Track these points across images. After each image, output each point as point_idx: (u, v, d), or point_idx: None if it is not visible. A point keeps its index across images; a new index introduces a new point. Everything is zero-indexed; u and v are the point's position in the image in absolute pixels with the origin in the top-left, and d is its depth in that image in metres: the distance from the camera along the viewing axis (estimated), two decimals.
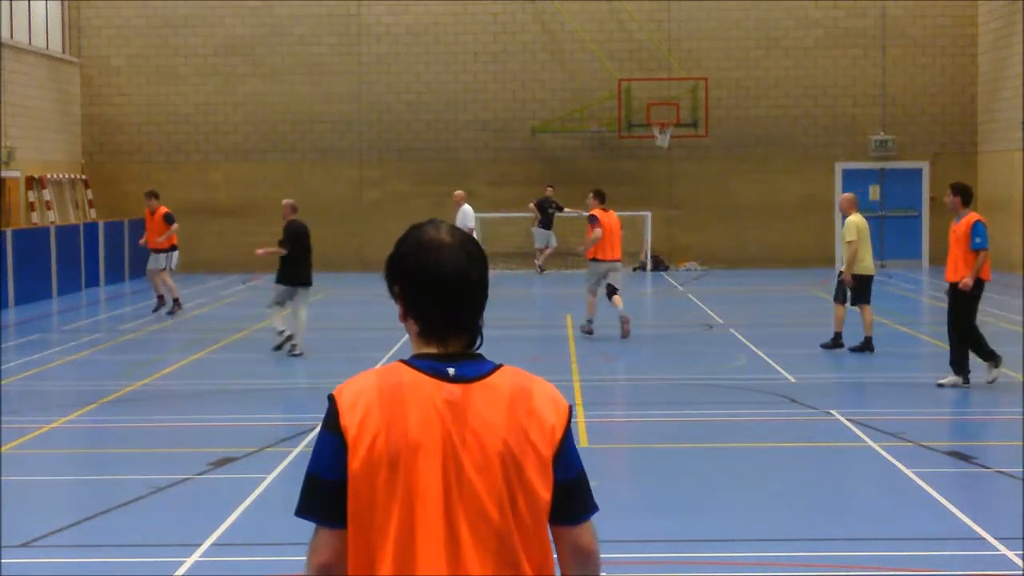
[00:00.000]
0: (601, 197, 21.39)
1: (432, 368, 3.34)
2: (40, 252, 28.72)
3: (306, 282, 19.57)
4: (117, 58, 36.82)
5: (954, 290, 15.89)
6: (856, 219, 19.05)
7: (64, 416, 14.58)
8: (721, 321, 23.47)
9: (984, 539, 9.31)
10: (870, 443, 12.66)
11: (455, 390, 3.31)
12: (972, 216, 16.03)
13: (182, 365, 18.69)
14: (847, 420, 13.84)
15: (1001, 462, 11.74)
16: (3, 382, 16.86)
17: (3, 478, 11.24)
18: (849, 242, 18.80)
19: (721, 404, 15.23)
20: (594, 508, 3.45)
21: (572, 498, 3.38)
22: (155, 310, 25.35)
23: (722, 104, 36.46)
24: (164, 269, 25.20)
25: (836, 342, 19.16)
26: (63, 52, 35.91)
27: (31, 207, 32.02)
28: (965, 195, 16.19)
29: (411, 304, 3.41)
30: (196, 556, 9.04)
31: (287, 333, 19.59)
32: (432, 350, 3.39)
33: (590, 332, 21.14)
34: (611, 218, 21.25)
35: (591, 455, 12.45)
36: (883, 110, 36.74)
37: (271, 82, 36.71)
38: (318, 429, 3.41)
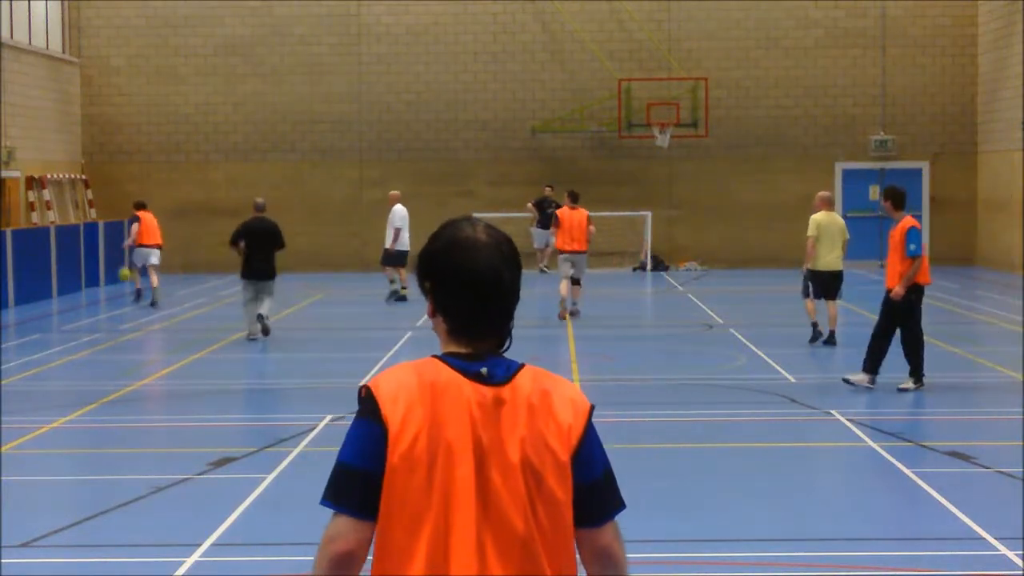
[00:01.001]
0: (573, 197, 24.12)
1: (465, 368, 3.32)
2: (40, 252, 28.71)
3: (261, 276, 20.89)
4: (117, 58, 36.83)
5: (887, 296, 15.67)
6: (818, 216, 19.65)
7: (64, 416, 14.57)
8: (721, 321, 23.47)
9: (984, 539, 9.31)
10: (870, 443, 12.66)
11: (487, 393, 3.29)
12: (906, 221, 15.52)
13: (182, 365, 18.69)
14: (847, 420, 13.84)
15: (1001, 462, 11.74)
16: (3, 382, 16.86)
17: (3, 478, 11.24)
18: (807, 238, 19.55)
19: (721, 404, 15.22)
20: (618, 507, 3.41)
21: (594, 499, 3.35)
22: (136, 300, 27.32)
23: (722, 104, 36.47)
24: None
25: (815, 332, 19.77)
26: (63, 52, 35.92)
27: (31, 207, 32.02)
28: (896, 199, 15.79)
29: (442, 301, 3.38)
30: (196, 556, 9.04)
31: (263, 316, 20.87)
32: (462, 349, 3.36)
33: (563, 317, 23.35)
34: (575, 215, 23.65)
35: None
36: (883, 110, 36.75)
37: (271, 82, 36.71)
38: (352, 420, 3.35)
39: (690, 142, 36.37)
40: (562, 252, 23.66)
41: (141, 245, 27.64)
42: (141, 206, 28.20)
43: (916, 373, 15.77)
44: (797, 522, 10.13)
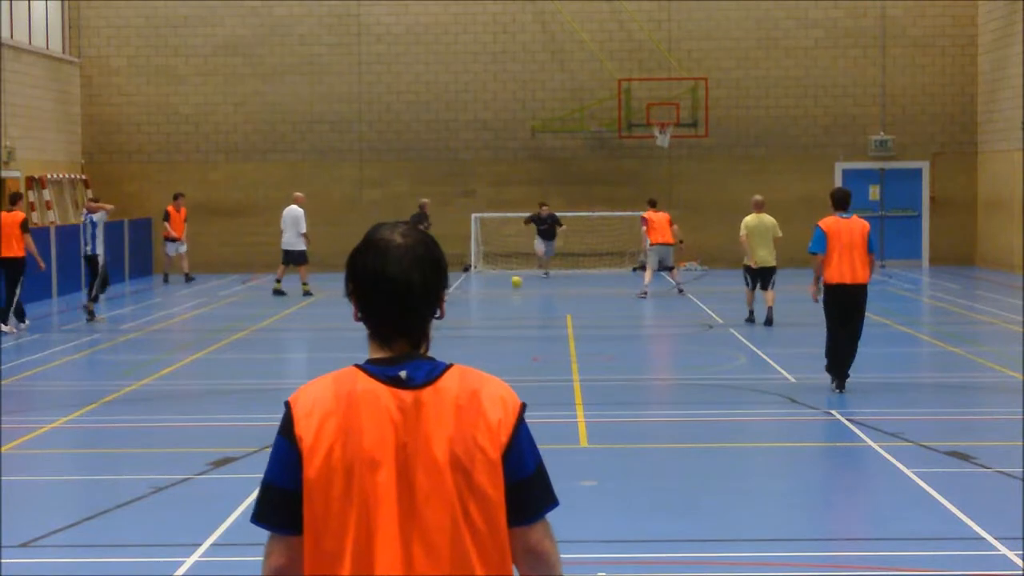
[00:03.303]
0: (652, 203, 30.03)
1: (385, 374, 3.33)
2: (40, 252, 28.64)
3: None
4: (117, 58, 36.83)
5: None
6: (748, 219, 23.10)
7: (64, 416, 14.58)
8: (721, 321, 23.47)
9: (984, 539, 9.31)
10: (870, 443, 12.66)
11: (407, 397, 3.30)
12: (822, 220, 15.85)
13: (182, 365, 18.70)
14: (847, 420, 13.84)
15: (1001, 462, 11.74)
16: (3, 382, 16.86)
17: (3, 478, 11.24)
18: (740, 237, 23.07)
19: (721, 404, 15.23)
20: (550, 504, 3.40)
21: (525, 497, 3.35)
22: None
23: (722, 104, 36.47)
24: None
25: (750, 316, 22.85)
26: (63, 52, 35.92)
27: (31, 207, 32.01)
28: (832, 199, 15.84)
29: (360, 304, 3.40)
30: (196, 556, 9.04)
31: None
32: (382, 354, 3.37)
33: (643, 296, 28.00)
34: (659, 216, 28.39)
35: (591, 455, 12.46)
36: (883, 110, 36.74)
37: (271, 82, 36.71)
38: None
39: (690, 142, 36.37)
40: (653, 245, 28.03)
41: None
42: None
43: (829, 372, 15.71)
44: (797, 522, 10.13)
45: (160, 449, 13.12)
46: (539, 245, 34.22)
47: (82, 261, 25.29)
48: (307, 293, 28.76)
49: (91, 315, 24.21)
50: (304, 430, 3.32)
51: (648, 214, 28.75)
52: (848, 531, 9.79)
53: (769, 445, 13.09)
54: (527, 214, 35.27)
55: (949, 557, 8.94)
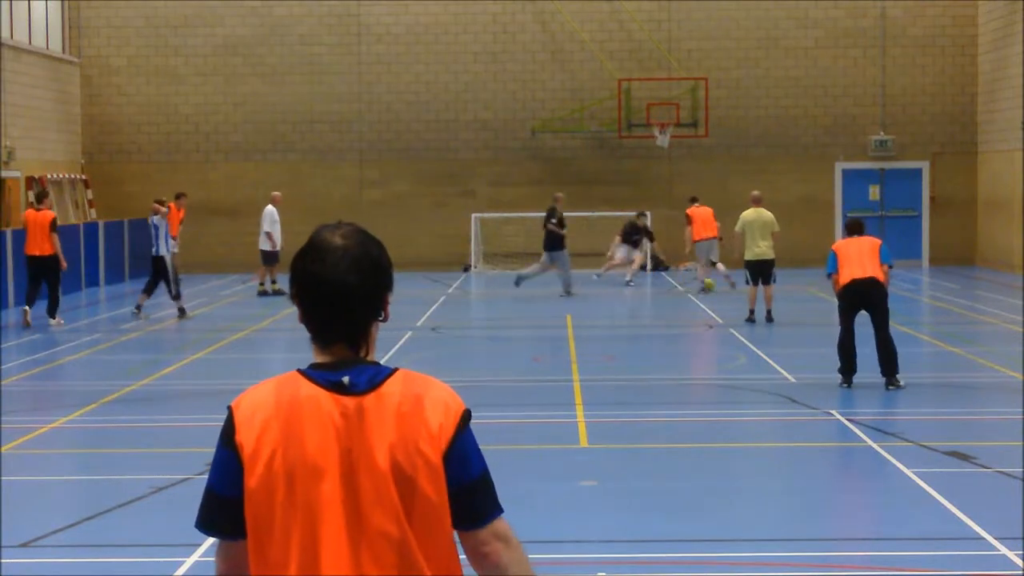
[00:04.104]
0: (694, 199, 30.05)
1: (327, 380, 3.28)
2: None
3: None
4: (117, 58, 36.83)
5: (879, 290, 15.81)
6: (746, 213, 23.18)
7: (64, 416, 14.58)
8: (721, 321, 23.48)
9: (984, 539, 9.31)
10: (870, 443, 12.66)
11: (349, 404, 3.25)
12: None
13: (182, 365, 18.70)
14: (847, 420, 13.84)
15: (1001, 462, 11.74)
16: (3, 382, 16.86)
17: (3, 478, 11.24)
18: (735, 233, 23.33)
19: (721, 404, 15.23)
20: (494, 512, 3.36)
21: (468, 503, 3.31)
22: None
23: (722, 104, 36.47)
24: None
25: (751, 316, 22.66)
26: (63, 52, 35.92)
27: (31, 207, 32.00)
28: (846, 229, 16.67)
29: (300, 308, 3.34)
30: (196, 556, 9.04)
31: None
32: (324, 358, 3.32)
33: (707, 289, 28.53)
34: (701, 210, 28.80)
35: (591, 455, 12.46)
36: (883, 110, 36.74)
37: (271, 82, 36.71)
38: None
39: (690, 142, 36.37)
40: (697, 241, 28.44)
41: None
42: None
43: (841, 373, 15.98)
44: (797, 522, 10.13)
45: (160, 449, 13.11)
46: (622, 251, 32.38)
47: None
48: (275, 292, 28.60)
49: (138, 309, 24.76)
50: (245, 437, 3.27)
51: (691, 210, 29.10)
52: (848, 531, 9.79)
53: (769, 445, 13.09)
54: (539, 213, 34.93)
55: (949, 557, 8.94)
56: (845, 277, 15.70)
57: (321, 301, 3.29)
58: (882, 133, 36.68)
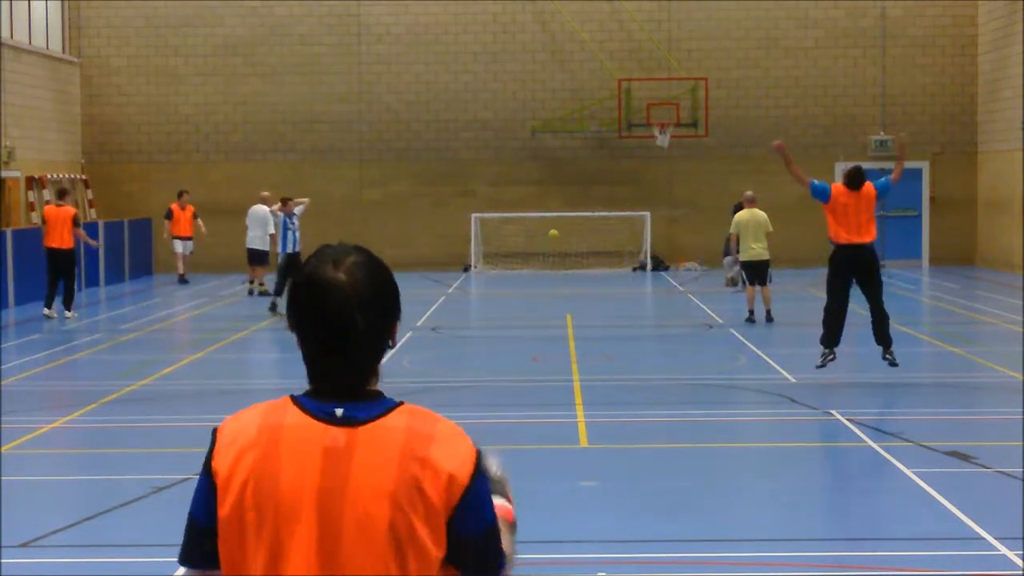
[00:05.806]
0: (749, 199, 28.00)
1: (319, 410, 3.01)
2: (40, 252, 28.67)
3: None
4: (117, 58, 36.83)
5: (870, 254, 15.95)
6: (740, 214, 23.26)
7: (64, 416, 14.58)
8: (721, 321, 23.48)
9: (984, 539, 9.31)
10: (870, 443, 12.66)
11: (339, 436, 2.97)
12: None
13: (182, 365, 18.70)
14: (847, 420, 13.84)
15: (1001, 462, 11.74)
16: (3, 382, 16.85)
17: (3, 478, 11.24)
18: (729, 234, 23.92)
19: (721, 404, 15.23)
20: (500, 562, 3.07)
21: (472, 557, 3.02)
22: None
23: (722, 104, 36.47)
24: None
25: (750, 316, 22.67)
26: (63, 52, 35.92)
27: (31, 207, 32.02)
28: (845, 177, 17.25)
29: (300, 341, 3.07)
30: None
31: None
32: (321, 384, 3.06)
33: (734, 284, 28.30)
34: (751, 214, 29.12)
35: (591, 455, 12.47)
36: (883, 110, 36.74)
37: (271, 82, 36.71)
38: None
39: (690, 142, 36.37)
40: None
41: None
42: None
43: (823, 344, 16.26)
44: (797, 522, 10.13)
45: (160, 449, 13.11)
46: (729, 263, 31.46)
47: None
48: (263, 293, 28.52)
49: (273, 307, 24.70)
50: (220, 463, 3.03)
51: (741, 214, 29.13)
52: (848, 531, 9.79)
53: (769, 445, 13.09)
54: (539, 214, 35.20)
55: (949, 557, 8.94)
56: (839, 238, 15.93)
57: (326, 342, 3.03)
58: (882, 133, 36.68)
